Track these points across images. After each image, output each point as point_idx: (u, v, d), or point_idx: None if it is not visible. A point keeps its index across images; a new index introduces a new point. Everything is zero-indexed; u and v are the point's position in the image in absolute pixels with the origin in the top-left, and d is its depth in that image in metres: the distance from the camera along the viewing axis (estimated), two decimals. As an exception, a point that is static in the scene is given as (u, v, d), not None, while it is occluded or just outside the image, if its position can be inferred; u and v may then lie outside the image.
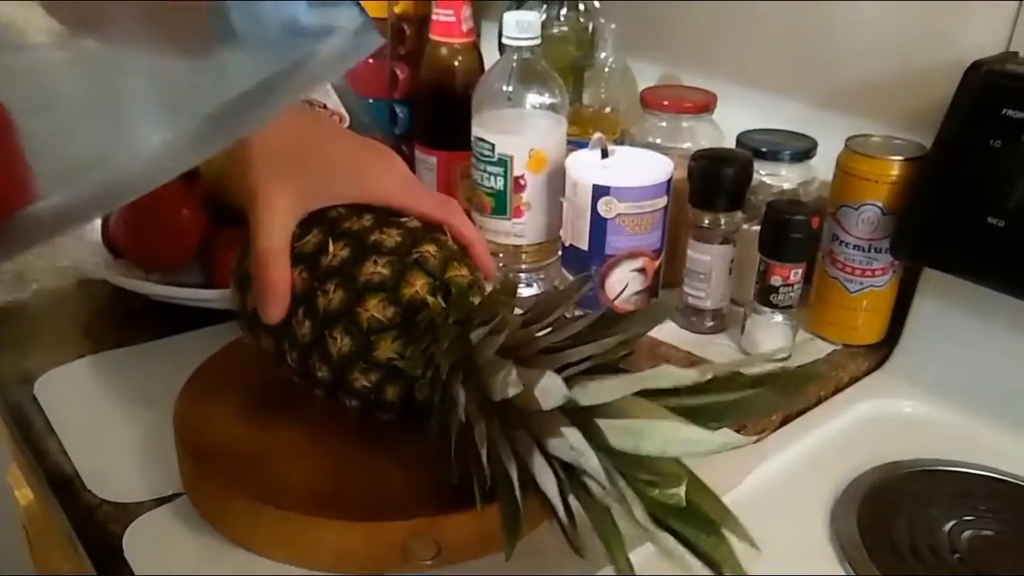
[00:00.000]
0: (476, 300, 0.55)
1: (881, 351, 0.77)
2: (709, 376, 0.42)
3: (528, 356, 0.49)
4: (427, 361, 0.52)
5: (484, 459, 0.47)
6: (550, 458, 0.45)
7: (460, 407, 0.48)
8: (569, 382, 0.45)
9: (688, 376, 0.43)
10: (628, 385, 0.44)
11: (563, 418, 0.44)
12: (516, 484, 0.46)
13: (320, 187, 0.56)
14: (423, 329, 0.53)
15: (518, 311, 0.53)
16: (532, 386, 0.44)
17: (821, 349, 0.78)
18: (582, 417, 0.45)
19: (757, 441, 0.65)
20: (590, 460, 0.42)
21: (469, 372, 0.50)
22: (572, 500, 0.47)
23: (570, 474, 0.46)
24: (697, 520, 0.44)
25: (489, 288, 0.56)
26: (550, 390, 0.43)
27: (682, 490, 0.42)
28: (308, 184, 0.55)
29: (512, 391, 0.45)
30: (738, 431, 0.66)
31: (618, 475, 0.44)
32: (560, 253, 0.81)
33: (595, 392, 0.45)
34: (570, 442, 0.43)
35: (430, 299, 0.53)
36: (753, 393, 0.46)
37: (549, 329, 0.52)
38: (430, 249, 0.56)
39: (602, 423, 0.44)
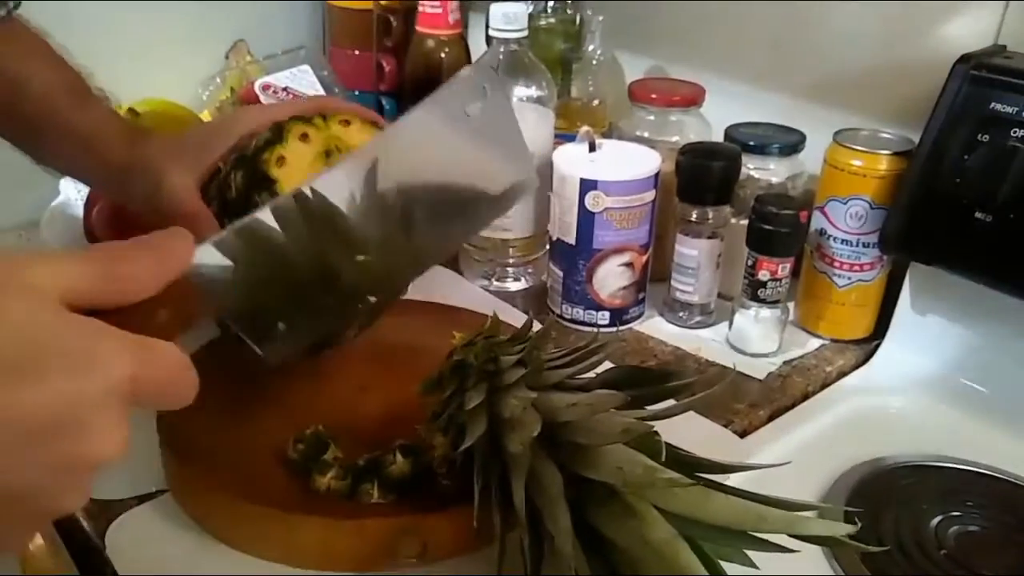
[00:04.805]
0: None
1: (869, 346, 0.77)
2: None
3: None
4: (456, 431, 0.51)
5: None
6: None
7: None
8: None
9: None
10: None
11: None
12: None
13: (202, 146, 0.63)
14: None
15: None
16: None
17: (809, 344, 0.78)
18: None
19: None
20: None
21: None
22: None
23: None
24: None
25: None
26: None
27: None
28: (192, 150, 0.62)
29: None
30: (725, 426, 0.66)
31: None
32: (547, 247, 0.81)
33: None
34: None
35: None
36: None
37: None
38: None
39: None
